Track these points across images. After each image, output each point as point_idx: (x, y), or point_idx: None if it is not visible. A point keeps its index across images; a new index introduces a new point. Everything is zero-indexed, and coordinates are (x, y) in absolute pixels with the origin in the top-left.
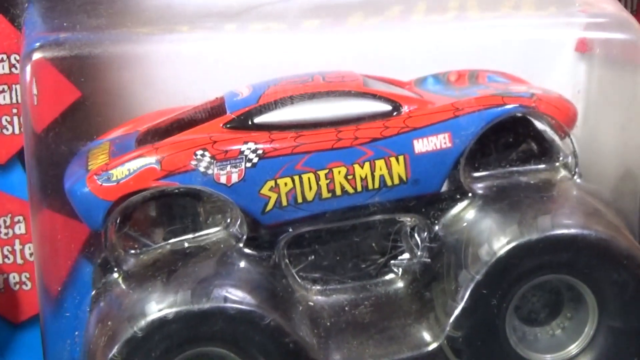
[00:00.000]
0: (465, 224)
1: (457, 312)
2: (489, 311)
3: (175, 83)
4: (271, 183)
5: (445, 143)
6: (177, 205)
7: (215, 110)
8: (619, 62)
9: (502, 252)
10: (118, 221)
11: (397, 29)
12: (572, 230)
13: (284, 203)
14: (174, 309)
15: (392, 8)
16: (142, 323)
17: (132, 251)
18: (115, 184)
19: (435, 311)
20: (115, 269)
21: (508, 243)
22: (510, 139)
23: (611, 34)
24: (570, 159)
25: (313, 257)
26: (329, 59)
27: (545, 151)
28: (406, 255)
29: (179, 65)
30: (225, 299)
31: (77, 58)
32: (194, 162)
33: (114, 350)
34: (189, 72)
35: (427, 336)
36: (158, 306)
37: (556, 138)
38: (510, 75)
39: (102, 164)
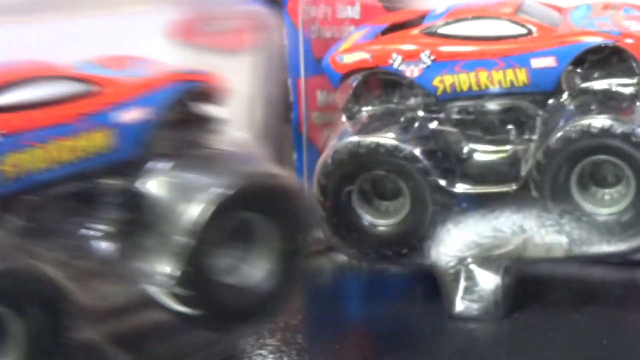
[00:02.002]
0: (171, 179)
1: (184, 249)
2: (208, 245)
3: None
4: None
5: (142, 114)
6: None
7: None
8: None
9: (217, 194)
10: None
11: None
12: (261, 174)
13: (14, 176)
14: None
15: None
16: None
17: None
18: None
19: (159, 253)
20: None
21: (221, 187)
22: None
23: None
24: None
25: (31, 223)
26: None
27: (206, 117)
28: (112, 214)
29: None
30: (10, 259)
31: None
32: None
33: None
34: None
35: (164, 270)
36: None
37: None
38: (148, 59)
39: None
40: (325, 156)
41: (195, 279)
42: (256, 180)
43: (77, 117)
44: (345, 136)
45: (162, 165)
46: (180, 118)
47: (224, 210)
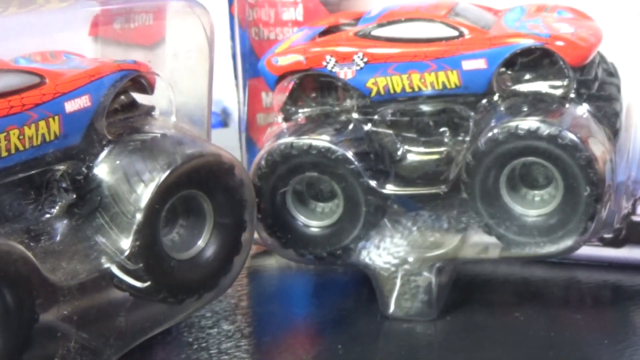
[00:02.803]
0: (118, 162)
1: (136, 226)
2: (157, 221)
3: None
4: None
5: (86, 103)
6: None
7: None
8: (115, 42)
9: (163, 174)
10: None
11: None
12: (203, 153)
13: None
14: None
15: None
16: None
17: None
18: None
19: (114, 229)
20: None
21: (166, 166)
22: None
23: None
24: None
25: None
26: None
27: (137, 104)
28: (60, 196)
29: None
30: None
31: None
32: None
33: None
34: None
35: (117, 247)
36: None
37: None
38: (74, 53)
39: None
40: (259, 158)
41: (144, 253)
42: (192, 159)
43: (26, 107)
44: (280, 137)
45: (107, 149)
46: (120, 105)
47: (165, 188)
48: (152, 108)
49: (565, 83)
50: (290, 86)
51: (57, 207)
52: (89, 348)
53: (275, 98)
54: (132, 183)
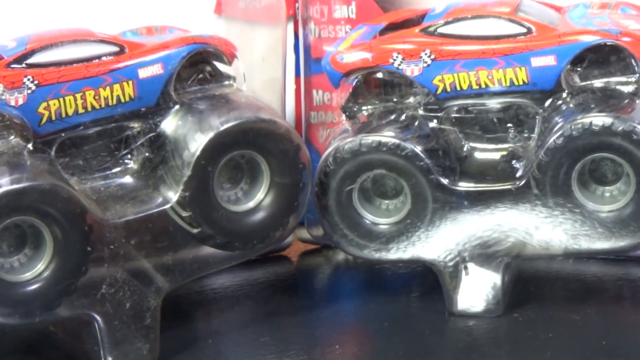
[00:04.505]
0: (180, 122)
1: (185, 178)
2: (206, 176)
3: None
4: (44, 104)
5: (159, 70)
6: None
7: None
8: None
9: (211, 134)
10: None
11: None
12: (253, 118)
13: (53, 118)
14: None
15: None
16: None
17: None
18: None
19: (168, 181)
20: None
21: (215, 128)
22: (200, 66)
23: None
24: (237, 79)
25: (72, 156)
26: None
27: (219, 74)
28: (137, 150)
29: None
30: (35, 179)
31: None
32: None
33: None
34: None
35: (166, 197)
36: None
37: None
38: (179, 28)
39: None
40: (327, 155)
41: (191, 203)
42: (246, 122)
43: (101, 72)
44: (345, 135)
45: (174, 111)
46: (197, 72)
47: (211, 148)
48: (228, 77)
49: (634, 79)
50: (353, 84)
51: (133, 161)
52: (137, 278)
53: (340, 96)
54: (187, 141)
